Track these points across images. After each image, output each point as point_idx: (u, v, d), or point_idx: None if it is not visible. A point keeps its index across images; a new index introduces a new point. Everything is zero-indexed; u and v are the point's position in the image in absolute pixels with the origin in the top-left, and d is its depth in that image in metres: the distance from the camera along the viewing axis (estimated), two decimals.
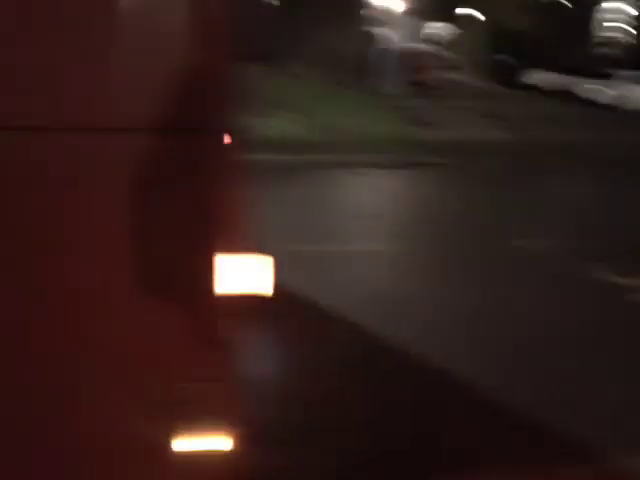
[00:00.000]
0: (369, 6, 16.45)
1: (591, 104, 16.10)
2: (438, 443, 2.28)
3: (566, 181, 7.34)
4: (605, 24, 23.41)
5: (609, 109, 15.79)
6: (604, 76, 16.97)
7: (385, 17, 16.93)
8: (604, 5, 23.07)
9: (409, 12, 17.81)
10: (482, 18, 22.36)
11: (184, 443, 1.37)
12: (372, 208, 5.86)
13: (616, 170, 8.16)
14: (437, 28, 25.20)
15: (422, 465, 2.15)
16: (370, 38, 15.63)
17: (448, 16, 24.35)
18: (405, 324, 3.20)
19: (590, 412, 2.55)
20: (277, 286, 3.62)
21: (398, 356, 2.92)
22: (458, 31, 24.25)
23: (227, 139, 1.52)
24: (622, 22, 23.28)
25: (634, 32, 22.08)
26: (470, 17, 23.09)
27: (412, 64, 15.82)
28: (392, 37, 16.12)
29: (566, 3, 20.62)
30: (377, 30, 16.02)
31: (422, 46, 18.64)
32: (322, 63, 13.79)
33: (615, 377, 2.92)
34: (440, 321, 3.33)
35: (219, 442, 1.37)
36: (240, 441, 1.36)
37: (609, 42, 23.14)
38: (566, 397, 2.65)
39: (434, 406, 2.54)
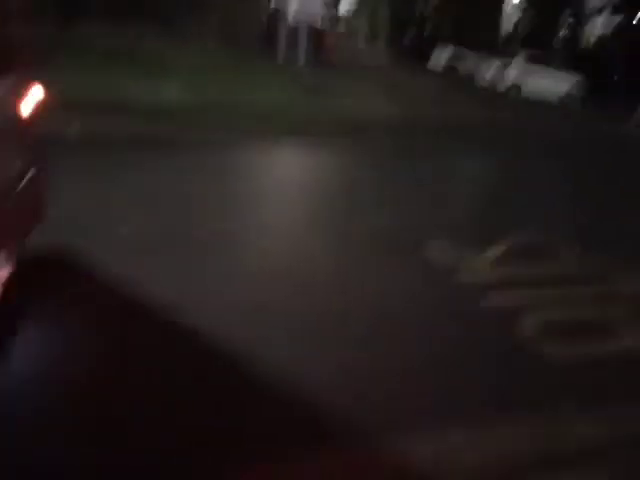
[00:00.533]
0: None
1: (493, 81, 16.61)
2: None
3: (446, 157, 7.46)
4: (515, 4, 24.10)
5: (510, 88, 16.35)
6: (509, 55, 17.50)
7: None
8: None
9: None
10: None
11: None
12: (247, 180, 5.60)
13: (504, 149, 8.42)
14: (351, 2, 24.94)
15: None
16: (278, 7, 15.09)
17: None
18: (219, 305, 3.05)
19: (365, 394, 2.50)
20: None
21: (200, 344, 2.75)
22: (373, 6, 24.12)
23: None
24: (529, 4, 24.02)
25: (539, 14, 22.87)
26: None
27: (321, 36, 15.53)
28: (302, 8, 15.66)
29: None
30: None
31: (332, 18, 18.30)
32: (226, 32, 13.18)
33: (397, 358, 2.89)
34: (257, 301, 3.18)
35: None
36: None
37: (517, 23, 23.90)
38: (350, 378, 2.59)
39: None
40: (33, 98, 2.96)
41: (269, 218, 4.64)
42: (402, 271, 3.87)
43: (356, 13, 24.84)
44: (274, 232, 4.33)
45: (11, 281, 2.52)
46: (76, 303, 2.97)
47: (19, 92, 2.79)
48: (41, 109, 3.03)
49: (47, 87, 3.12)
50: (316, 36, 15.53)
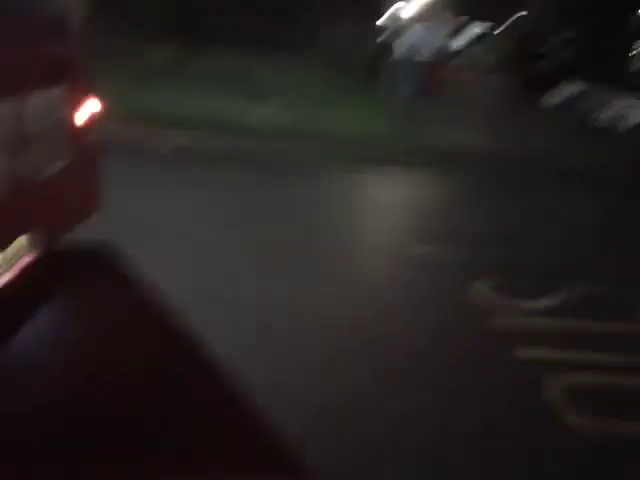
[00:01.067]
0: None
1: (621, 121, 15.19)
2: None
3: (527, 195, 6.96)
4: None
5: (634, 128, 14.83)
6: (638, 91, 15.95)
7: (418, 12, 16.41)
8: None
9: (446, 9, 17.26)
10: (525, 24, 21.56)
11: None
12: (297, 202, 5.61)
13: (589, 192, 7.64)
14: (477, 28, 24.45)
15: None
16: (394, 32, 15.21)
17: (490, 16, 23.63)
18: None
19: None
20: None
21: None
22: (498, 33, 23.48)
23: None
24: None
25: None
26: (513, 21, 22.28)
27: (436, 63, 15.36)
28: (415, 39, 15.62)
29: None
30: (404, 24, 15.56)
31: (451, 45, 17.98)
32: (336, 53, 13.55)
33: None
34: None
35: None
36: None
37: None
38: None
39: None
40: (86, 107, 3.26)
41: (345, 242, 4.71)
42: (443, 305, 3.70)
43: (473, 45, 24.34)
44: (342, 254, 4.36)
45: (32, 267, 2.77)
46: (98, 298, 3.20)
47: (70, 99, 3.10)
48: (93, 117, 3.33)
49: (107, 100, 3.45)
50: (426, 68, 15.41)
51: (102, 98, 3.51)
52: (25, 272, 2.68)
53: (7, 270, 2.55)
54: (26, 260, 2.71)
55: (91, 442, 2.14)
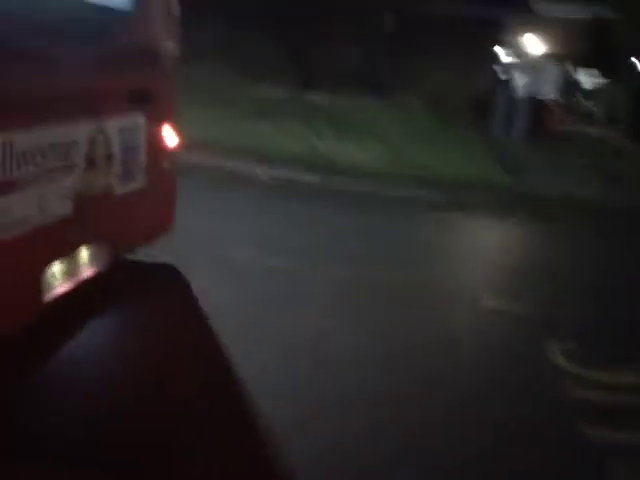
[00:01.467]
0: (506, 48, 15.65)
1: None
2: None
3: (617, 255, 6.32)
4: None
5: None
6: None
7: (523, 60, 15.97)
8: None
9: (554, 57, 16.65)
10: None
11: None
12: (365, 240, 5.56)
13: None
14: (587, 77, 23.20)
15: None
16: (498, 79, 14.82)
17: (603, 66, 22.36)
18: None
19: None
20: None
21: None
22: (611, 83, 22.10)
23: None
24: None
25: None
26: (628, 69, 20.86)
27: (542, 112, 14.76)
28: (526, 81, 15.14)
29: None
30: (510, 72, 15.15)
31: (558, 94, 17.14)
32: (440, 99, 13.42)
33: None
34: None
35: None
36: None
37: None
38: None
39: None
40: (168, 135, 3.45)
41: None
42: (515, 364, 3.45)
43: (596, 89, 22.99)
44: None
45: (92, 280, 2.90)
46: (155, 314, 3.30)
47: (152, 127, 3.29)
48: (173, 145, 3.51)
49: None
50: (541, 111, 14.89)
51: (194, 130, 3.68)
52: (84, 284, 2.82)
53: (67, 281, 2.69)
54: (86, 273, 2.85)
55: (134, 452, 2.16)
